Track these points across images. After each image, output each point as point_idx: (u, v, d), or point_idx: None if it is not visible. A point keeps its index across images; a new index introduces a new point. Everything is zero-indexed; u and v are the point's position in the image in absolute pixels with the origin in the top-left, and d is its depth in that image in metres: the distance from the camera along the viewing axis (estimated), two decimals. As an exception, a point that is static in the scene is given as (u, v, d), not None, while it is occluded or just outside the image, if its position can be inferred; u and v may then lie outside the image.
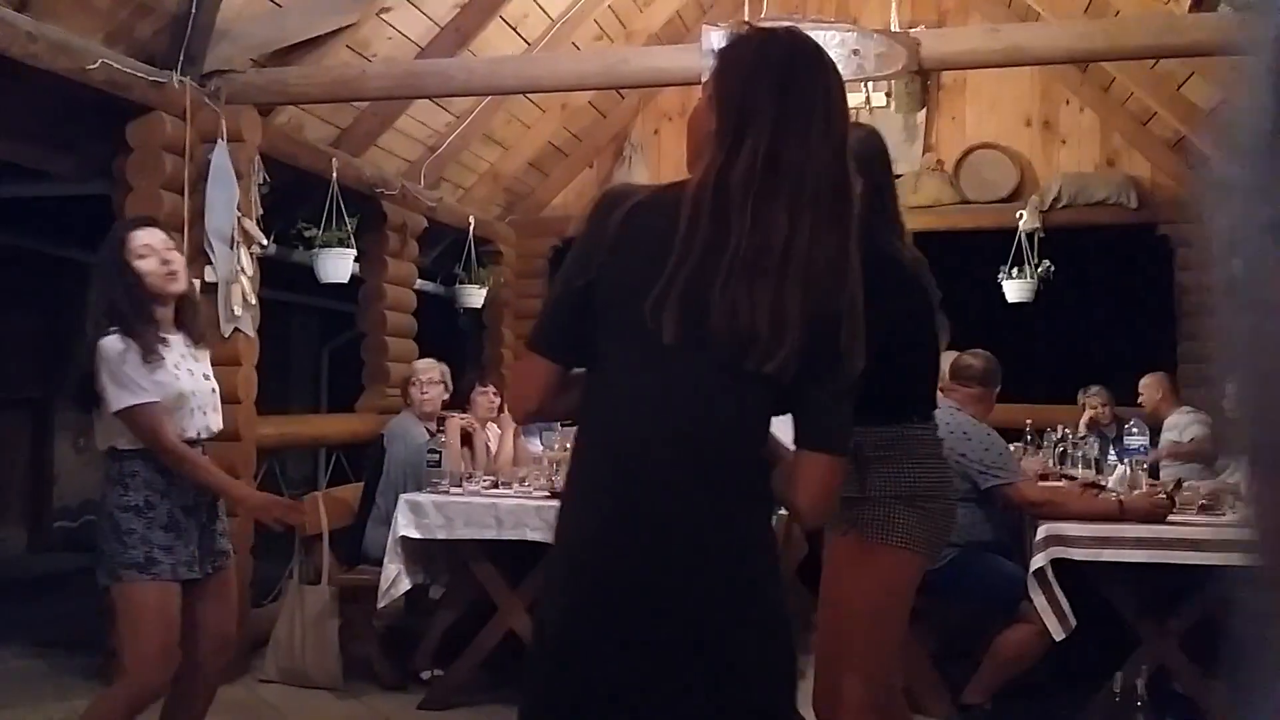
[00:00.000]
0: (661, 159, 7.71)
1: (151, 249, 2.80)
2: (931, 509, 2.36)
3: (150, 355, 2.71)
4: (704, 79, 1.64)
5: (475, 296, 6.90)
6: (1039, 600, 3.54)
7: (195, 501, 2.82)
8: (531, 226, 7.87)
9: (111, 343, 2.69)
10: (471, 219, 6.88)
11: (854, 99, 5.24)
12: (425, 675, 4.35)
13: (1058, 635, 3.53)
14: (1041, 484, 4.16)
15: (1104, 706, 3.56)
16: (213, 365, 3.08)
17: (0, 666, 4.61)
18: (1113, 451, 5.21)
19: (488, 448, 4.96)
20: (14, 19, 3.67)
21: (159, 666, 2.73)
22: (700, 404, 1.50)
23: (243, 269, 4.50)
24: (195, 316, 2.96)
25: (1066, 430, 5.41)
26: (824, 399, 1.54)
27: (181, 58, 4.40)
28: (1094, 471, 4.76)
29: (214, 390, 2.94)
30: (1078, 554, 3.57)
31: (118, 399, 2.68)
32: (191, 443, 2.82)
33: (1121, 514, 3.68)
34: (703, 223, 1.47)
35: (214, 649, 2.93)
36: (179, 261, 2.86)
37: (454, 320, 7.82)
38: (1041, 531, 3.55)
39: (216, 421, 2.94)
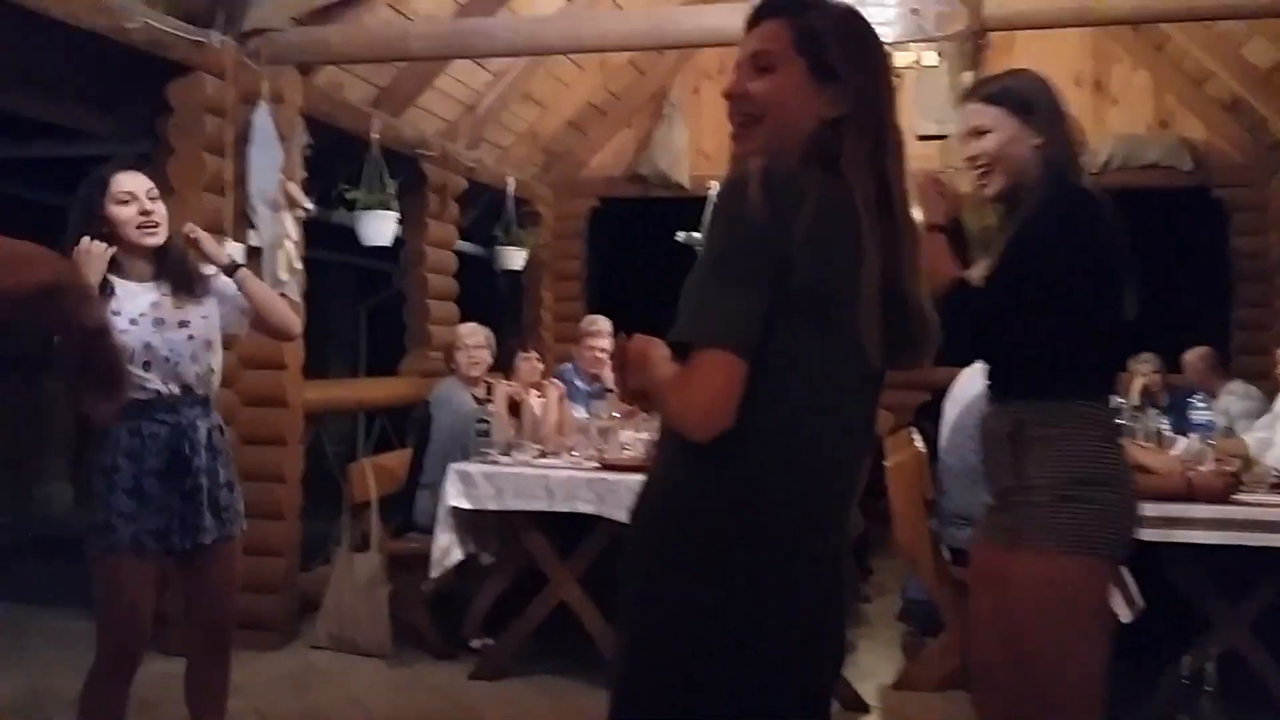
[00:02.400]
0: (702, 117, 7.57)
1: (134, 196, 2.64)
2: (1108, 498, 2.05)
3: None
4: (783, 47, 1.51)
5: (515, 258, 6.81)
6: (1106, 581, 3.45)
7: (172, 469, 2.63)
8: (570, 187, 7.77)
9: None
10: (511, 180, 6.78)
11: (904, 58, 5.08)
12: (475, 644, 4.33)
13: (1125, 618, 3.44)
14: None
15: (1171, 690, 3.49)
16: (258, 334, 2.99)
17: (55, 627, 4.61)
18: (1165, 422, 5.10)
19: (534, 415, 4.90)
20: (53, -23, 3.59)
21: (118, 635, 2.63)
22: (867, 402, 1.52)
23: (287, 233, 4.43)
24: (182, 267, 2.73)
25: (1120, 401, 5.28)
26: None
27: (222, 16, 4.31)
28: (1156, 445, 4.64)
29: (192, 338, 2.69)
30: (1146, 535, 3.45)
31: None
32: (168, 400, 2.64)
33: (1189, 492, 3.58)
34: (876, 223, 1.43)
35: (203, 633, 2.80)
36: (161, 213, 2.69)
37: (492, 281, 7.76)
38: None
39: (191, 373, 2.68)
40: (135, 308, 2.64)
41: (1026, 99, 2.21)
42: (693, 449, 1.41)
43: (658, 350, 1.47)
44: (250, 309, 2.84)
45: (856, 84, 1.49)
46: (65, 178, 5.83)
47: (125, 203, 2.64)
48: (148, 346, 2.63)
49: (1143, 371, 6.01)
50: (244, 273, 2.85)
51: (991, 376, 2.25)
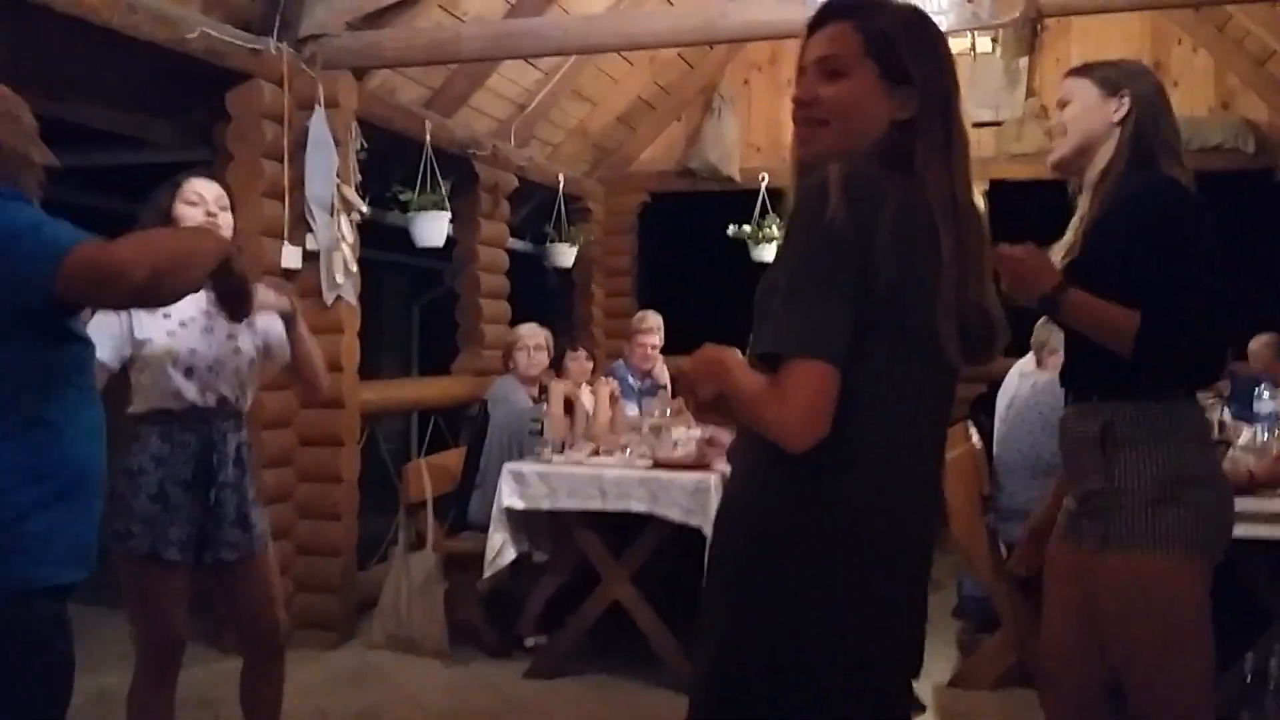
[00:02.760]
0: (752, 109, 7.53)
1: (202, 199, 2.66)
2: (1204, 497, 2.00)
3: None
4: (853, 51, 1.50)
5: (566, 255, 6.84)
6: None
7: (198, 480, 2.61)
8: (620, 182, 7.77)
9: None
10: (561, 177, 6.80)
11: (958, 44, 5.00)
12: (529, 643, 4.37)
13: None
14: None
15: (1234, 688, 3.43)
16: (316, 334, 2.99)
17: (124, 628, 4.71)
18: (1227, 410, 4.98)
19: (587, 413, 4.93)
20: (115, -10, 3.66)
21: (150, 639, 2.65)
22: (945, 406, 1.55)
23: (343, 236, 4.49)
24: (236, 284, 2.47)
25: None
26: None
27: (277, 23, 4.38)
28: (1217, 433, 4.54)
29: (239, 351, 2.70)
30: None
31: None
32: (202, 411, 2.63)
33: (1251, 485, 3.51)
34: (952, 224, 1.45)
35: (251, 639, 2.81)
36: (227, 222, 2.69)
37: (541, 278, 7.79)
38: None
39: (232, 386, 2.69)
40: (185, 311, 2.63)
41: (1113, 77, 2.21)
42: (783, 462, 1.39)
43: (734, 358, 1.44)
44: (290, 359, 2.82)
45: (927, 86, 1.49)
46: (125, 185, 5.99)
47: (194, 204, 2.66)
48: (193, 352, 2.62)
49: None
50: (301, 326, 2.81)
51: (1073, 376, 2.21)
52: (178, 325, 2.63)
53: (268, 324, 2.80)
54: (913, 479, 1.48)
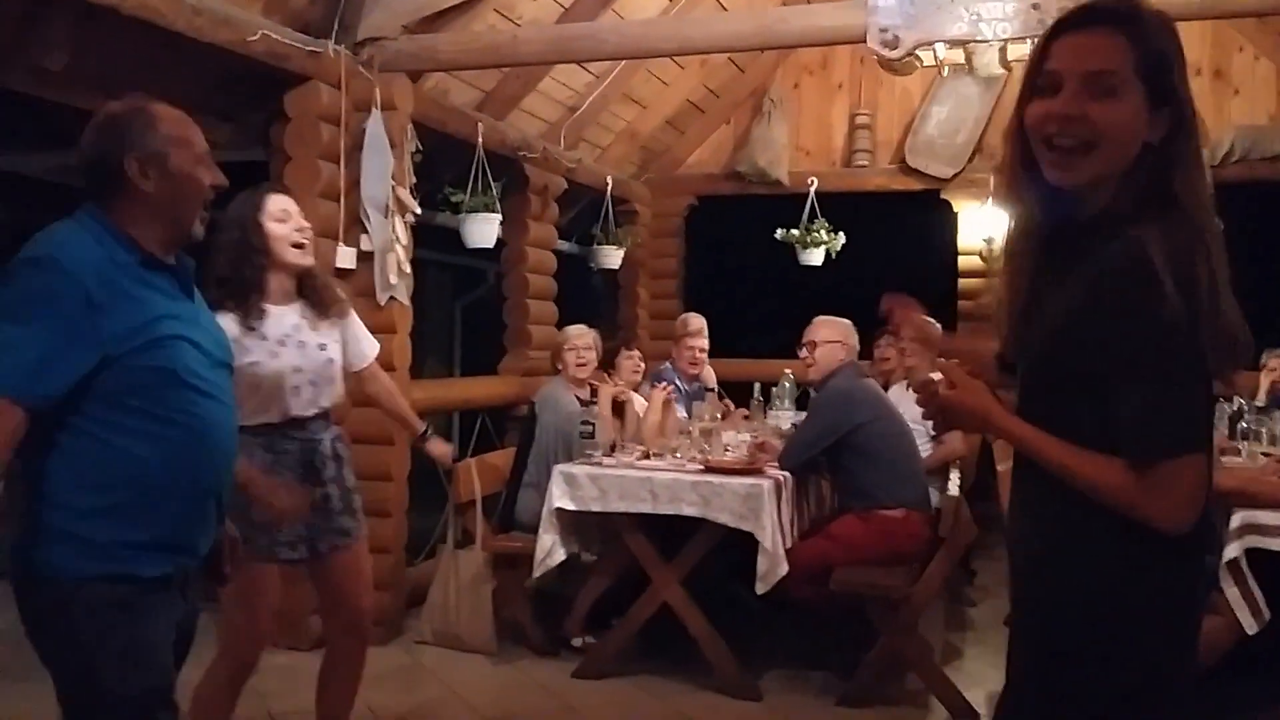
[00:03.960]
0: (802, 113, 7.51)
1: (289, 214, 2.77)
2: None
3: (249, 320, 2.65)
4: (1126, 69, 1.44)
5: (613, 257, 6.84)
6: (1231, 592, 3.33)
7: (306, 481, 2.73)
8: (667, 185, 7.78)
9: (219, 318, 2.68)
10: (609, 179, 6.81)
11: (1018, 51, 4.95)
12: (577, 642, 4.38)
13: (1251, 629, 3.33)
14: (1233, 467, 3.92)
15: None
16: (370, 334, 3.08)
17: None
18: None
19: (637, 415, 4.92)
20: (179, -8, 3.71)
21: (245, 642, 2.73)
22: None
23: (397, 237, 4.53)
24: (322, 290, 2.87)
25: (1242, 402, 5.07)
26: None
27: (336, 26, 4.42)
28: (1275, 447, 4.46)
29: (331, 361, 2.83)
30: (1276, 544, 3.35)
31: None
32: (301, 419, 2.75)
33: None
34: (1211, 264, 1.42)
35: (345, 625, 2.93)
36: (310, 236, 2.82)
37: (587, 279, 7.80)
38: (1236, 520, 3.35)
39: (329, 395, 2.84)
40: (280, 329, 2.73)
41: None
42: (1153, 540, 1.43)
43: (999, 412, 1.53)
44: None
45: (1185, 110, 1.45)
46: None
47: (282, 220, 2.76)
48: (297, 370, 2.73)
49: (1272, 366, 5.50)
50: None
51: None
52: (276, 345, 2.72)
53: (351, 321, 2.94)
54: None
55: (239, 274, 2.70)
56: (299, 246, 2.77)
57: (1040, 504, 1.53)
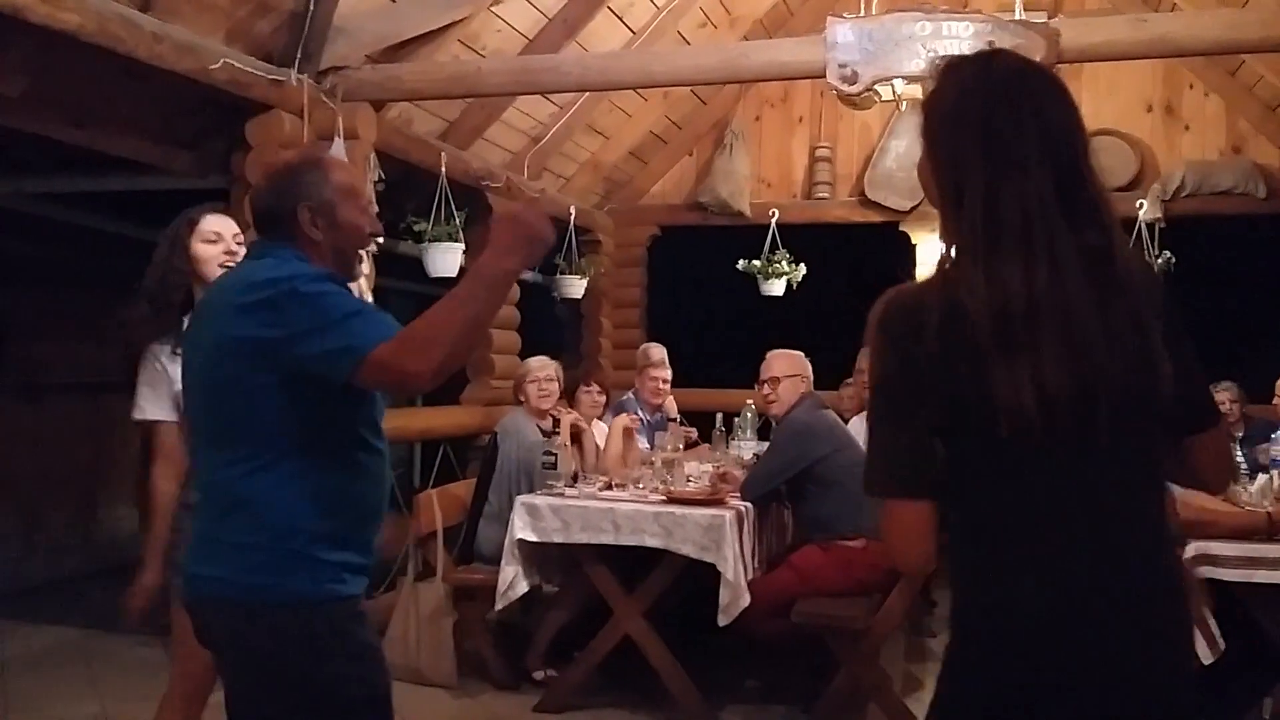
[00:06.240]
0: (763, 145, 7.58)
1: (220, 237, 2.75)
2: None
3: (177, 347, 2.62)
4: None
5: (576, 287, 6.86)
6: (1186, 622, 3.37)
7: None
8: (630, 215, 7.82)
9: (155, 348, 2.68)
10: (573, 209, 6.83)
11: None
12: (539, 675, 4.34)
13: (1205, 659, 3.37)
14: (1187, 499, 3.97)
15: (1253, 734, 3.40)
16: None
17: (120, 657, 4.70)
18: (1240, 453, 4.96)
19: (596, 446, 4.92)
20: (140, 20, 3.70)
21: (192, 667, 2.64)
22: None
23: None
24: None
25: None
26: None
27: (299, 55, 4.41)
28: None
29: None
30: (1227, 574, 3.40)
31: (137, 407, 2.72)
32: None
33: (1270, 528, 3.51)
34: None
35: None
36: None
37: (550, 308, 7.80)
38: (1190, 550, 3.39)
39: None
40: None
41: None
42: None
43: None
44: None
45: (951, 155, 1.45)
46: (142, 211, 6.02)
47: (212, 242, 2.75)
48: None
49: (1220, 400, 5.80)
50: None
51: None
52: None
53: None
54: None
55: (164, 291, 2.71)
56: (226, 267, 2.72)
57: None
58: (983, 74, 1.45)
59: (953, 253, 1.41)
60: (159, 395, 2.70)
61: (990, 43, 3.93)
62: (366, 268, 4.49)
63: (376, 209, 4.68)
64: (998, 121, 1.39)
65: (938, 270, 1.42)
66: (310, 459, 1.86)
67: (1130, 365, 1.34)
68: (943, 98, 1.46)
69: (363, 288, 4.48)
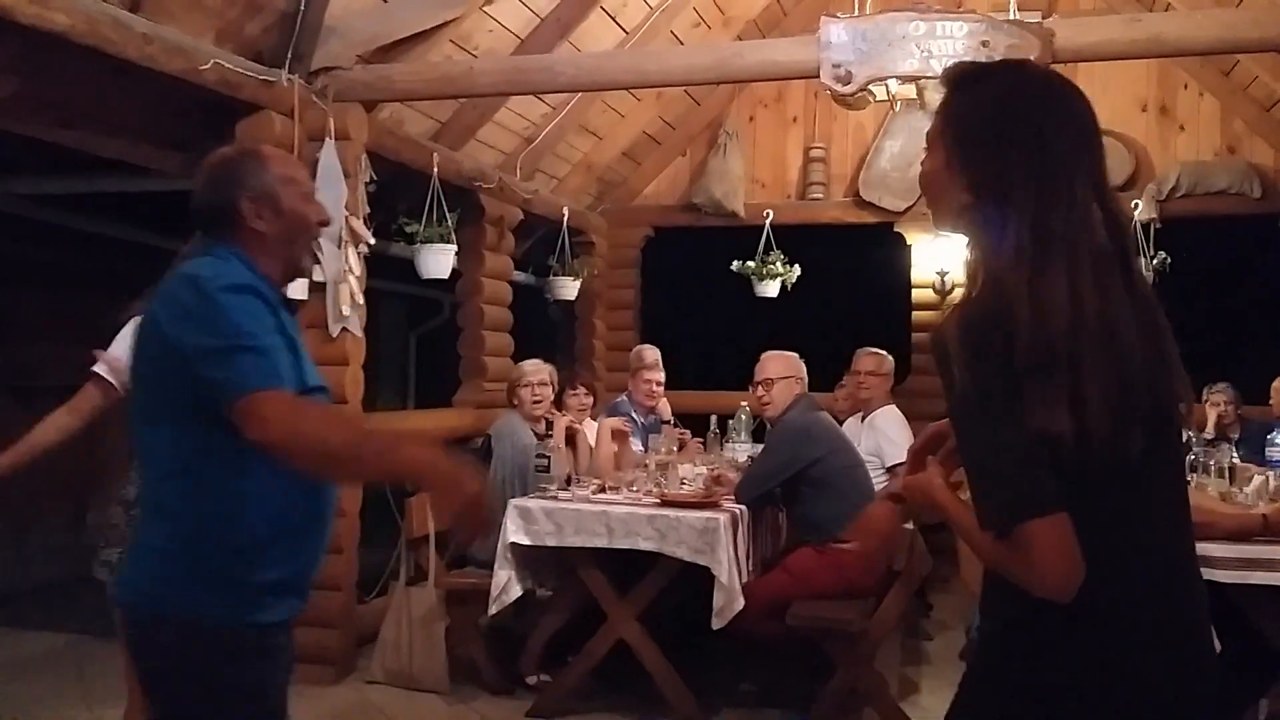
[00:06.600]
0: (757, 145, 7.57)
1: None
2: None
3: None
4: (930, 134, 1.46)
5: (569, 288, 6.83)
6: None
7: None
8: (623, 216, 7.79)
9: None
10: (566, 210, 6.81)
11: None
12: (531, 680, 4.32)
13: (1203, 661, 3.35)
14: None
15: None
16: (321, 365, 3.00)
17: (110, 663, 4.64)
18: (1235, 454, 4.95)
19: (590, 449, 4.90)
20: (131, 21, 3.67)
21: None
22: None
23: (350, 268, 4.48)
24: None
25: (1190, 434, 5.14)
26: None
27: (290, 55, 4.38)
28: (1227, 482, 4.52)
29: None
30: (1223, 576, 3.37)
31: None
32: None
33: (1265, 529, 3.48)
34: None
35: None
36: None
37: (544, 310, 7.78)
38: (1186, 553, 3.37)
39: None
40: None
41: None
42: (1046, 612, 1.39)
43: None
44: None
45: (987, 167, 1.43)
46: (135, 213, 5.99)
47: None
48: None
49: (1215, 401, 5.80)
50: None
51: None
52: None
53: None
54: None
55: None
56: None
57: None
58: (1022, 84, 1.45)
59: (991, 263, 1.38)
60: (110, 355, 2.73)
61: (984, 43, 3.91)
62: (357, 268, 4.48)
63: (369, 210, 4.66)
64: (1048, 133, 1.39)
65: (987, 284, 1.38)
66: (232, 466, 1.73)
67: (1162, 375, 1.38)
68: (977, 108, 1.44)
69: (353, 288, 4.47)
